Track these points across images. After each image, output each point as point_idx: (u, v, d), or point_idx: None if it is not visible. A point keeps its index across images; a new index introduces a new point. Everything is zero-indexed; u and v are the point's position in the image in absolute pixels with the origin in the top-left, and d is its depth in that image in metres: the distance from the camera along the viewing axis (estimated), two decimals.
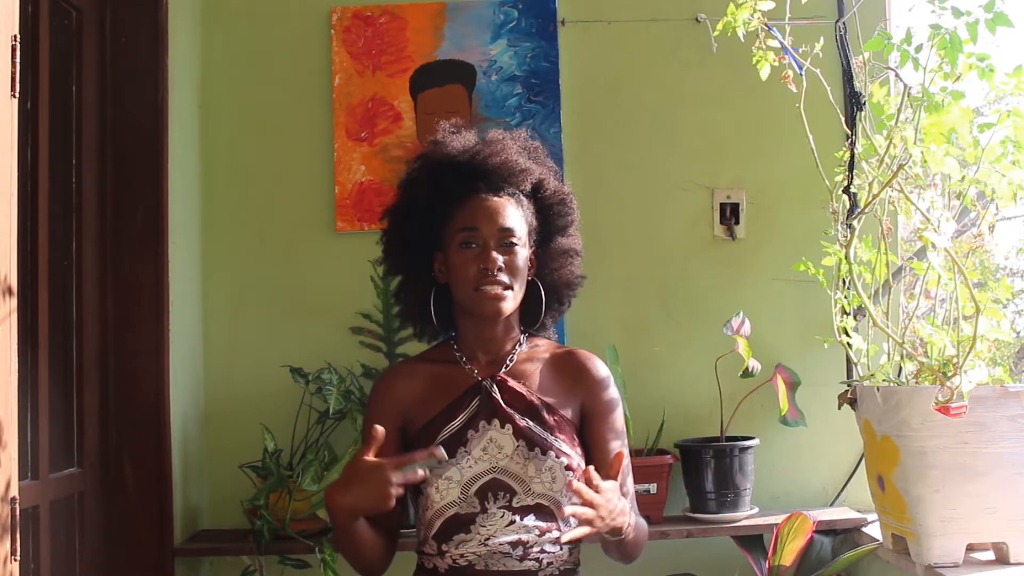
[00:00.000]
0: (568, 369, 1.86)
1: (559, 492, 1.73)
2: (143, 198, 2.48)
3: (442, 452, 1.62)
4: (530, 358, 1.86)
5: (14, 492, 1.49)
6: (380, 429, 1.61)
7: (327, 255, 2.80)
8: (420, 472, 1.60)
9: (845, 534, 2.56)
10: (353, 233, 2.79)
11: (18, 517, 1.49)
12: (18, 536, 1.50)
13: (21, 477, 1.60)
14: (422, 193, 1.84)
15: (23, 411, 1.89)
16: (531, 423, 1.76)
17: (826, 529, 2.53)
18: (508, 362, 1.84)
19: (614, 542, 1.71)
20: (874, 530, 2.41)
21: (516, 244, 1.79)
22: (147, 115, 2.49)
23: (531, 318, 1.88)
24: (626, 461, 1.77)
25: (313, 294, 2.79)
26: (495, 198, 1.80)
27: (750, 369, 2.54)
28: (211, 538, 2.62)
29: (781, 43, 2.18)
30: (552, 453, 1.74)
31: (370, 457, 1.59)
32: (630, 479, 1.84)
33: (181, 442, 2.57)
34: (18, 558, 1.49)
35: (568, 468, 1.74)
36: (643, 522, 1.85)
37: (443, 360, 1.86)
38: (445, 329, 1.90)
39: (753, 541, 2.55)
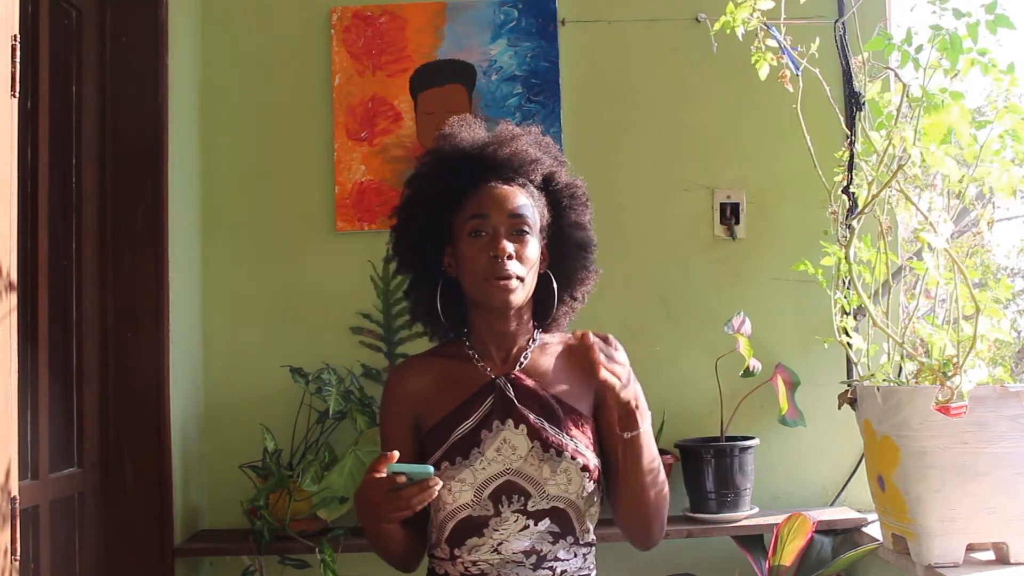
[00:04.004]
0: (582, 359, 1.83)
1: (575, 494, 1.70)
2: (143, 198, 2.48)
3: (438, 481, 1.57)
4: (543, 352, 1.83)
5: (14, 492, 1.49)
6: (395, 454, 1.57)
7: (327, 255, 2.80)
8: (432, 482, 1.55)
9: (845, 534, 2.56)
10: (353, 233, 2.79)
11: (18, 517, 1.50)
12: (18, 536, 1.50)
13: (21, 477, 1.60)
14: (432, 186, 1.81)
15: (23, 411, 1.90)
16: (546, 423, 1.72)
17: (826, 529, 2.53)
18: (522, 360, 1.81)
19: (633, 456, 1.64)
20: (874, 530, 2.41)
21: (527, 233, 1.75)
22: (147, 115, 2.49)
23: (544, 312, 1.86)
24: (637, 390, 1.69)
25: (313, 294, 2.79)
26: (505, 186, 1.77)
27: (751, 368, 2.54)
28: (211, 538, 2.62)
29: (779, 43, 2.18)
30: (567, 454, 1.70)
31: (381, 475, 1.55)
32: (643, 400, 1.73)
33: (181, 442, 2.57)
34: (18, 558, 1.49)
35: (584, 469, 1.71)
36: (665, 480, 1.75)
37: (455, 356, 1.82)
38: (456, 326, 1.86)
39: (753, 541, 2.55)
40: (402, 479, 1.52)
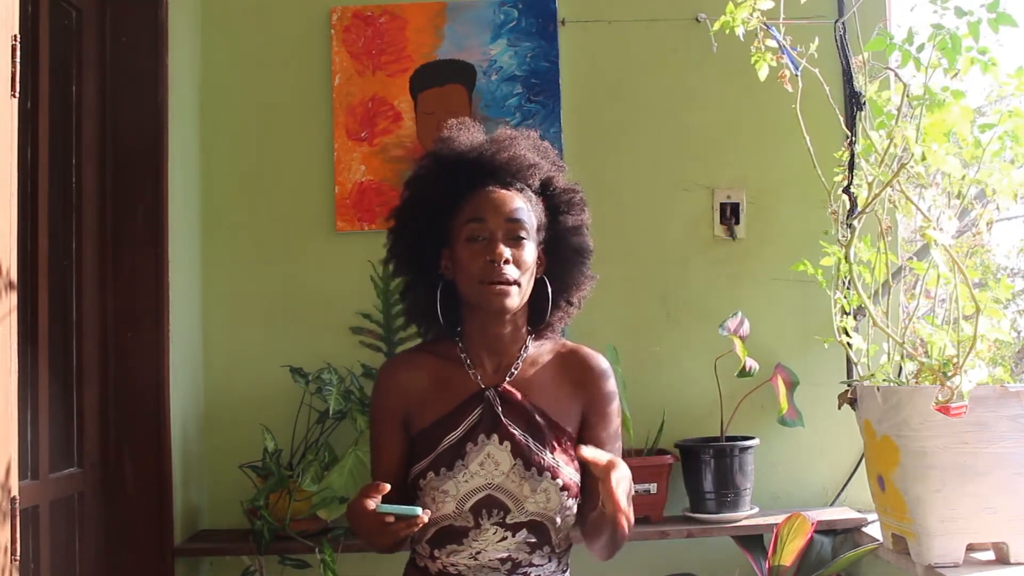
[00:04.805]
0: (571, 371, 1.83)
1: (553, 511, 1.72)
2: (143, 198, 2.48)
3: (424, 518, 1.60)
4: (535, 362, 1.82)
5: (14, 492, 1.49)
6: (386, 486, 1.60)
7: (327, 255, 2.80)
8: (420, 516, 1.58)
9: (845, 534, 2.56)
10: (353, 233, 2.79)
11: (18, 517, 1.50)
12: (18, 536, 1.50)
13: (21, 477, 1.60)
14: (429, 189, 1.81)
15: (23, 411, 1.89)
16: (531, 441, 1.73)
17: (826, 529, 2.53)
18: (513, 370, 1.80)
19: (610, 521, 1.65)
20: (874, 530, 2.41)
21: (524, 238, 1.75)
22: (147, 115, 2.49)
23: (539, 318, 1.85)
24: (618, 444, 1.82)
25: (313, 294, 2.79)
26: (503, 191, 1.77)
27: (747, 369, 2.54)
28: (211, 538, 2.62)
29: (779, 43, 2.18)
30: (548, 474, 1.71)
31: (370, 504, 1.57)
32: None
33: (181, 442, 2.57)
34: (18, 558, 1.49)
35: (564, 488, 1.72)
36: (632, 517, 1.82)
37: (447, 357, 1.82)
38: (452, 328, 1.85)
39: (753, 541, 2.55)
40: (390, 518, 1.57)
